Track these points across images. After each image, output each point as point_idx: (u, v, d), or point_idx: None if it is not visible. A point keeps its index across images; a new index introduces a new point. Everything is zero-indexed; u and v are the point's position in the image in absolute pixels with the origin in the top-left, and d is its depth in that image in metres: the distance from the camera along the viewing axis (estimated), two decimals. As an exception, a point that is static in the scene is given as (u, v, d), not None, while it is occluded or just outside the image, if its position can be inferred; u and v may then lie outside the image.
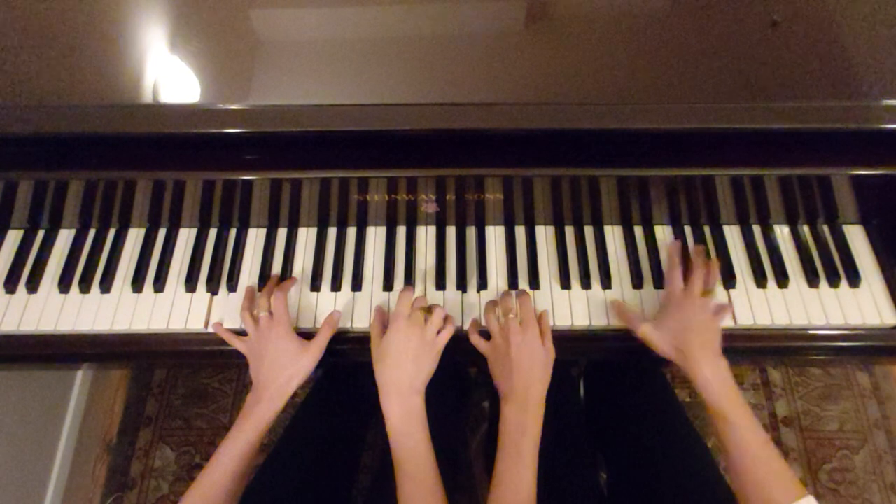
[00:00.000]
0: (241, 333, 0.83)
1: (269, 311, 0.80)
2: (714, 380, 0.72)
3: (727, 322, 0.84)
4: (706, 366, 0.73)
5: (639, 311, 0.84)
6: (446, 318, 0.81)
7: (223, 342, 0.83)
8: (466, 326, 0.84)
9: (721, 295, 0.86)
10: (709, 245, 0.90)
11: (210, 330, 0.84)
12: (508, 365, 0.76)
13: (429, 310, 0.81)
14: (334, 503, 0.92)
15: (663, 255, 0.89)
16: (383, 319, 0.82)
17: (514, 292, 0.83)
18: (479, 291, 0.87)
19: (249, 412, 0.76)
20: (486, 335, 0.81)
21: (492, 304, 0.82)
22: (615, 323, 0.85)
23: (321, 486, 0.90)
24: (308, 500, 0.87)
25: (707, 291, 0.80)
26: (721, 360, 0.74)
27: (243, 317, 0.81)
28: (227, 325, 0.84)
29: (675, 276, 0.82)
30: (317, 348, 0.80)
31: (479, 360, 0.82)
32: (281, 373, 0.77)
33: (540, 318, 0.81)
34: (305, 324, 0.85)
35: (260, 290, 0.86)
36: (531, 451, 0.71)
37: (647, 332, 0.78)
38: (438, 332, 0.79)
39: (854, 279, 0.86)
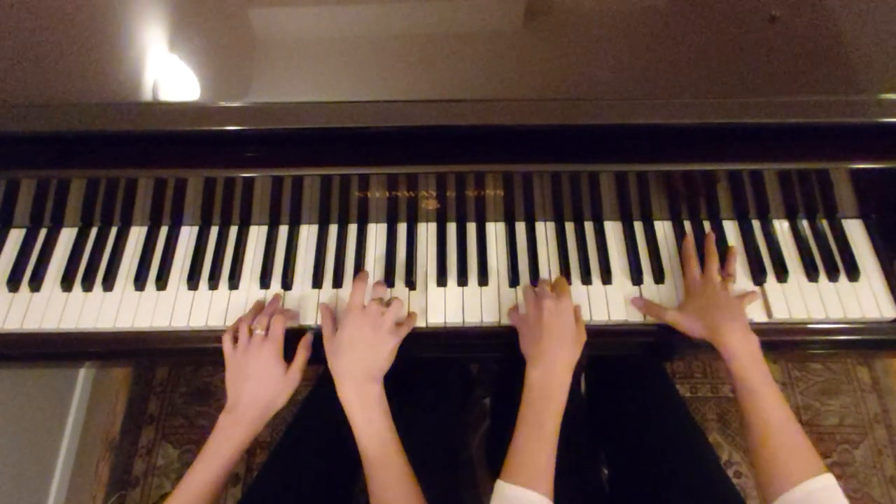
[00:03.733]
0: None
1: (265, 329, 0.79)
2: (741, 351, 0.73)
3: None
4: (734, 337, 0.74)
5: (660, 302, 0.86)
6: (409, 314, 0.82)
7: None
8: (466, 321, 0.85)
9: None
10: (708, 240, 0.90)
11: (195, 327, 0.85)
12: (538, 330, 0.75)
13: (387, 303, 0.81)
14: (336, 501, 0.92)
15: (664, 251, 0.89)
16: (332, 316, 0.83)
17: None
18: (479, 287, 0.87)
19: (227, 436, 0.74)
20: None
21: (530, 286, 0.83)
22: (615, 318, 0.85)
23: (323, 484, 0.90)
24: (310, 499, 0.87)
25: (727, 276, 0.82)
26: (750, 335, 0.75)
27: (241, 326, 0.80)
28: (225, 322, 0.84)
29: (692, 266, 0.84)
30: (296, 372, 0.79)
31: (480, 358, 0.82)
32: (265, 396, 0.76)
33: (574, 309, 0.82)
34: (307, 321, 0.85)
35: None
36: (553, 422, 0.71)
37: (675, 318, 0.80)
38: (399, 325, 0.79)
39: (853, 273, 0.86)
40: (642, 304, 0.85)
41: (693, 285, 0.83)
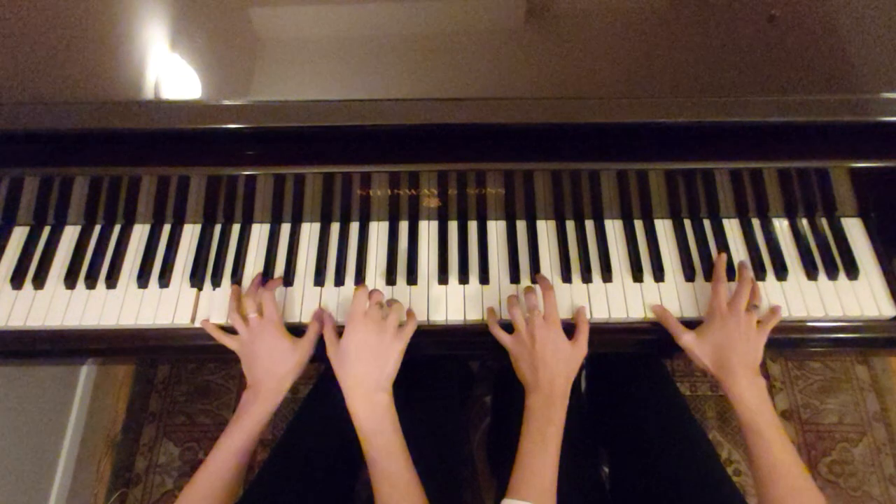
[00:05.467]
0: (231, 330, 0.83)
1: (258, 310, 0.81)
2: (750, 396, 0.74)
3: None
4: (744, 382, 0.75)
5: (675, 310, 0.85)
6: (409, 314, 0.82)
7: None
8: (467, 318, 0.85)
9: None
10: (708, 238, 0.91)
11: (198, 325, 0.85)
12: (533, 359, 0.77)
13: (388, 305, 0.81)
14: (337, 498, 0.93)
15: (664, 250, 0.90)
16: (333, 321, 0.83)
17: (537, 287, 0.84)
18: (481, 285, 0.88)
19: (246, 410, 0.77)
20: (506, 329, 0.82)
21: (514, 298, 0.83)
22: (616, 316, 0.85)
23: (324, 481, 0.90)
24: (311, 496, 0.87)
25: (752, 306, 0.81)
26: (759, 378, 0.76)
27: (232, 317, 0.82)
28: (227, 320, 0.85)
29: (720, 291, 0.82)
30: (307, 344, 0.81)
31: (481, 356, 0.82)
32: (276, 371, 0.78)
33: (578, 315, 0.83)
34: (307, 318, 0.85)
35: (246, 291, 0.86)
36: (555, 439, 0.73)
37: (688, 344, 0.80)
38: (401, 328, 0.79)
39: (852, 272, 0.86)
40: (662, 313, 0.84)
41: (716, 312, 0.80)
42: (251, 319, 0.80)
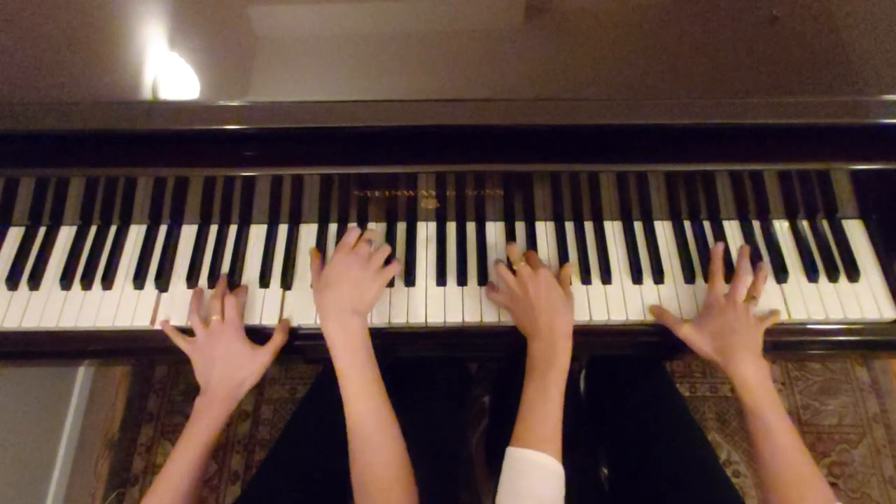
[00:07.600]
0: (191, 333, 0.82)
1: (220, 312, 0.80)
2: (753, 380, 0.73)
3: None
4: (746, 366, 0.74)
5: (675, 312, 0.84)
6: (393, 258, 0.83)
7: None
8: (466, 320, 0.85)
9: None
10: (709, 240, 0.90)
11: (157, 327, 0.84)
12: (529, 307, 0.77)
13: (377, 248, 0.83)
14: (335, 499, 0.92)
15: (664, 251, 0.89)
16: (321, 258, 0.85)
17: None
18: (479, 286, 0.87)
19: (202, 415, 0.76)
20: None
21: (499, 261, 0.84)
22: (615, 318, 0.85)
23: (322, 481, 0.90)
24: (307, 497, 0.87)
25: (750, 298, 0.80)
26: (762, 361, 0.75)
27: (192, 318, 0.81)
28: None
29: (717, 281, 0.82)
30: (269, 352, 0.80)
31: (480, 357, 0.82)
32: (234, 376, 0.78)
33: (562, 270, 0.84)
34: (306, 320, 0.85)
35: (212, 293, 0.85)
36: (558, 383, 0.73)
37: (688, 333, 0.79)
38: (384, 268, 0.80)
39: (853, 274, 0.86)
40: (659, 311, 0.84)
41: (714, 303, 0.80)
42: (212, 322, 0.79)
